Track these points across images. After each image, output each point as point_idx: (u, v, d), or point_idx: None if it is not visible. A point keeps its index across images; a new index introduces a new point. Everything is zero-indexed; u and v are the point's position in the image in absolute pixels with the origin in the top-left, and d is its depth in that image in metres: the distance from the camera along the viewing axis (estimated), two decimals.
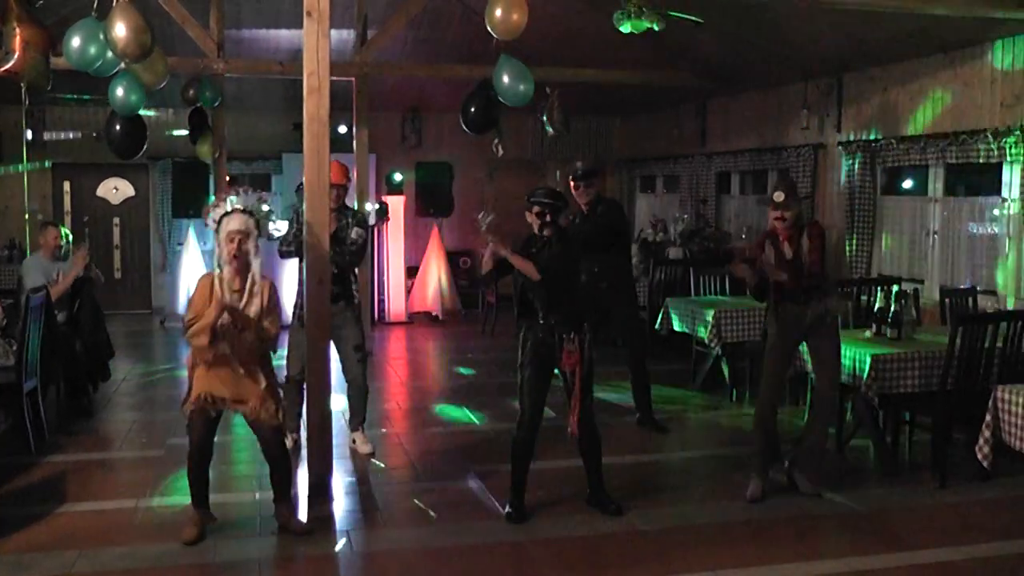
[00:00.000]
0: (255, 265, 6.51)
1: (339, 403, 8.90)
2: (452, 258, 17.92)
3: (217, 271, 6.54)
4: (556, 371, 7.10)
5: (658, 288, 12.92)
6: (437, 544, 6.64)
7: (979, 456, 6.68)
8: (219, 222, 6.52)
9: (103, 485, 7.85)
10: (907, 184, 11.98)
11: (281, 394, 6.82)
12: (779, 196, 7.40)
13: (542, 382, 7.03)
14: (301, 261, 8.03)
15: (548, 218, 6.95)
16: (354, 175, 13.43)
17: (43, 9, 7.04)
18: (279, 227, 7.44)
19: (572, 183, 9.40)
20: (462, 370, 12.91)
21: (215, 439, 6.73)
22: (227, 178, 13.77)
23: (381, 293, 16.84)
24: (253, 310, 6.47)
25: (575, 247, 7.18)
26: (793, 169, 13.15)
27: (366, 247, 8.80)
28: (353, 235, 8.54)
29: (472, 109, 9.62)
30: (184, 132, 14.08)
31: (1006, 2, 8.34)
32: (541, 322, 6.95)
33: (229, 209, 6.51)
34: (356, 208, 10.56)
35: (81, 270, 10.03)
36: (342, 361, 8.66)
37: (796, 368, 8.38)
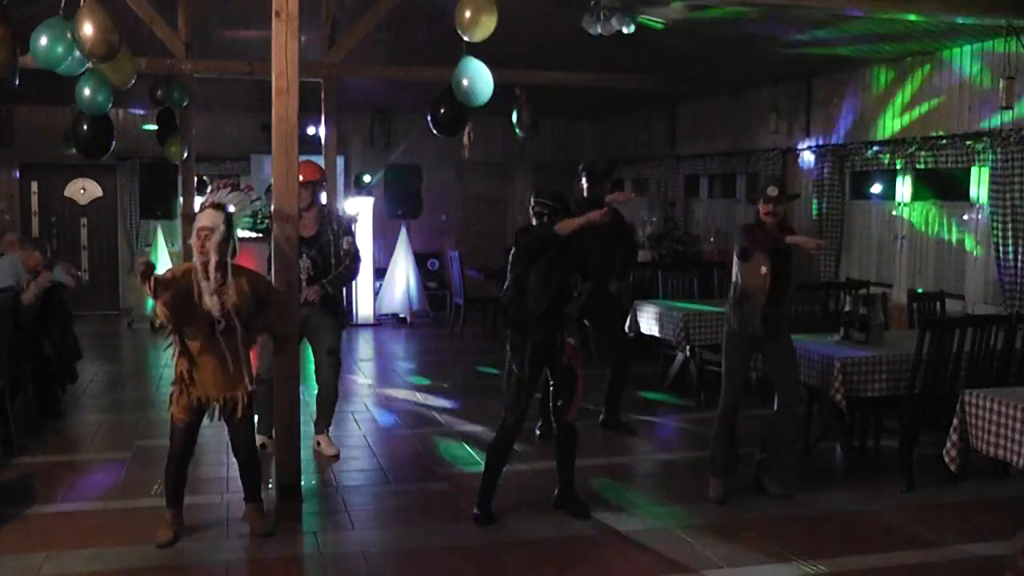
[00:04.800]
0: (213, 261, 6.37)
1: (306, 406, 8.88)
2: (420, 260, 17.88)
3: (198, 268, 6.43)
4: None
5: (627, 290, 12.93)
6: (404, 546, 6.63)
7: (946, 460, 6.71)
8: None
9: (71, 487, 7.79)
10: (876, 188, 12.03)
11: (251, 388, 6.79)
12: (772, 191, 7.35)
13: (534, 384, 7.02)
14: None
15: (545, 219, 6.93)
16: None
17: (9, 6, 6.98)
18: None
19: (599, 180, 9.42)
20: (418, 379, 12.94)
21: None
22: (196, 178, 13.72)
23: (349, 295, 16.79)
24: (231, 302, 6.41)
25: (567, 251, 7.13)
26: (762, 173, 13.20)
27: (358, 259, 8.65)
28: (344, 245, 8.48)
29: (441, 111, 9.60)
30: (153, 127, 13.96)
31: (974, 8, 8.38)
32: (545, 321, 6.93)
33: (207, 203, 6.47)
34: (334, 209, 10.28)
35: (47, 284, 9.88)
36: (315, 363, 8.64)
37: (761, 370, 8.40)
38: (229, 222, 6.43)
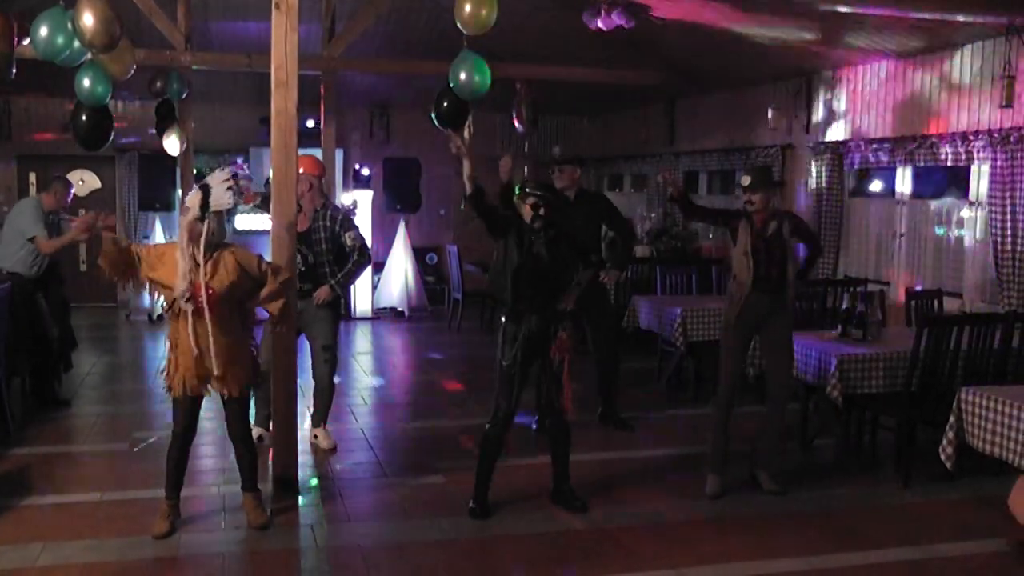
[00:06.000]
0: (203, 238, 6.28)
1: (303, 398, 8.88)
2: (419, 254, 17.88)
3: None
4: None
5: (625, 286, 12.93)
6: (400, 539, 6.64)
7: (942, 457, 6.72)
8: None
9: (68, 478, 7.80)
10: (875, 186, 12.04)
11: (256, 355, 6.79)
12: (745, 180, 7.41)
13: (524, 377, 6.99)
14: None
15: (542, 211, 6.90)
16: None
17: None
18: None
19: (549, 169, 9.36)
20: (433, 359, 12.95)
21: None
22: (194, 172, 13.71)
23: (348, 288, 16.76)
24: (218, 280, 6.37)
25: (566, 240, 7.11)
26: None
27: (366, 252, 8.65)
28: (348, 241, 8.47)
29: (444, 104, 9.60)
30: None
31: (975, 6, 8.38)
32: (534, 315, 6.92)
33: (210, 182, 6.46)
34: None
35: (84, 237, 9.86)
36: (311, 356, 8.62)
37: (760, 367, 8.40)
38: (205, 203, 6.36)
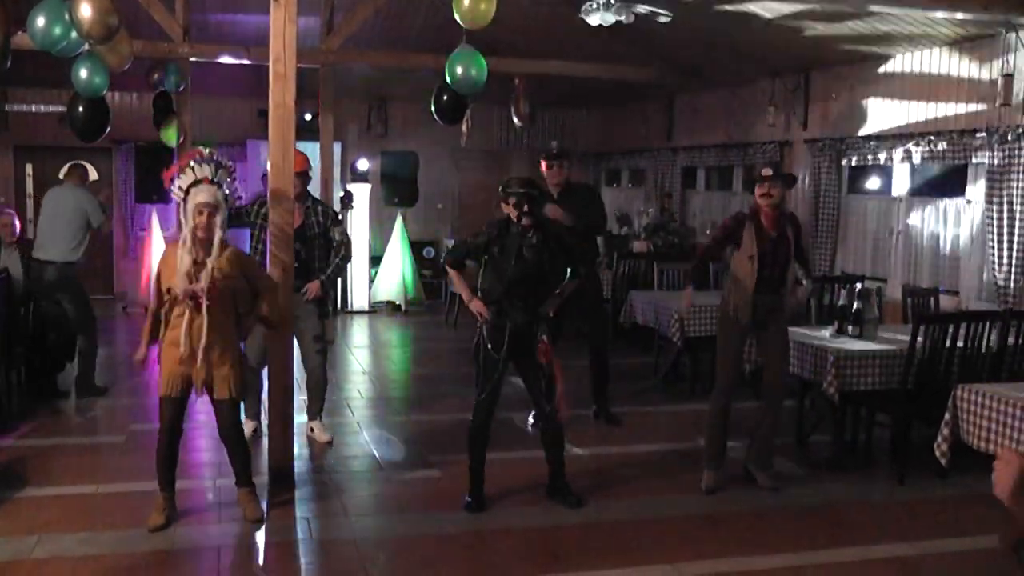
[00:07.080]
0: (217, 238, 6.33)
1: (299, 392, 8.88)
2: (416, 248, 17.86)
3: (183, 243, 6.37)
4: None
5: (622, 281, 12.94)
6: (396, 533, 6.64)
7: (937, 454, 6.74)
8: (187, 192, 6.43)
9: (63, 470, 7.77)
10: (872, 183, 12.04)
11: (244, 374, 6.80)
12: (767, 171, 7.35)
13: (505, 367, 6.99)
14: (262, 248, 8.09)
15: (526, 208, 6.87)
16: (318, 163, 13.41)
17: None
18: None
19: (545, 162, 9.32)
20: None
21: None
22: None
23: (344, 282, 16.76)
24: (219, 275, 6.32)
25: (555, 239, 7.08)
26: (759, 166, 13.18)
27: (351, 246, 8.73)
28: (336, 235, 8.49)
29: (444, 98, 9.60)
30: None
31: (974, 4, 8.38)
32: (519, 313, 6.91)
33: (198, 177, 6.43)
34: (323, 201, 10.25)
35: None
36: (301, 352, 8.61)
37: (756, 363, 8.41)
38: (226, 199, 6.41)
